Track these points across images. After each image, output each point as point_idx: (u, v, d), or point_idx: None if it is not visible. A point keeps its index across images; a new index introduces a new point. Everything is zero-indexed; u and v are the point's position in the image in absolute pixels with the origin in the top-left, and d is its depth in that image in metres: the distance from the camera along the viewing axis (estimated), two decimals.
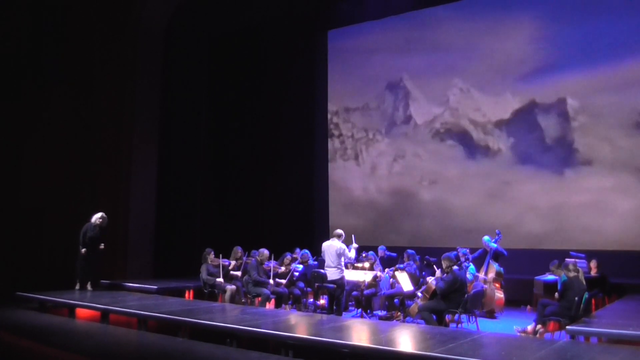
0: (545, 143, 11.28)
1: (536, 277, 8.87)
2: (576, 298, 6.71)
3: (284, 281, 9.36)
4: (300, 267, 9.58)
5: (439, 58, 12.55)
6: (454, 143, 12.37)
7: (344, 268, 8.72)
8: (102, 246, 9.94)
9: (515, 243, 10.49)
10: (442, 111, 12.58)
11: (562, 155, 11.08)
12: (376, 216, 13.27)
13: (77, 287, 9.84)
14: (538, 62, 11.38)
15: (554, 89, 11.19)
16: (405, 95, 13.10)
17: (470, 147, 12.15)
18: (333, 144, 14.05)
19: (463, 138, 12.26)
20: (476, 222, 11.44)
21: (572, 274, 7.02)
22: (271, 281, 9.04)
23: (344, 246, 8.74)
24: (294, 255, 10.02)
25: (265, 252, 9.23)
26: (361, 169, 13.65)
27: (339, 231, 8.86)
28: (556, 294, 7.16)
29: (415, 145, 12.86)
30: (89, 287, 9.86)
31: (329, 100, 14.18)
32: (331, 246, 8.67)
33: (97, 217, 9.97)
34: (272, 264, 9.40)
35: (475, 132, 12.13)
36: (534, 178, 11.29)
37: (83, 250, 9.75)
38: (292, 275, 9.47)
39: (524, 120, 11.55)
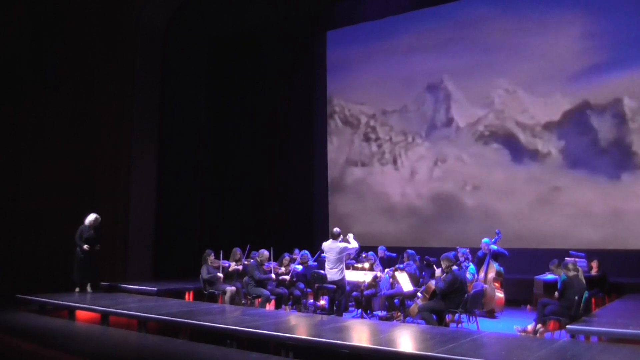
0: (599, 146, 10.71)
1: (536, 277, 8.88)
2: (576, 297, 6.71)
3: (287, 277, 9.37)
4: (300, 267, 9.58)
5: (482, 58, 12.00)
6: (499, 146, 11.81)
7: (344, 268, 8.72)
8: (97, 247, 9.92)
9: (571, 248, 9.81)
10: (486, 113, 12.03)
11: (618, 158, 10.53)
12: (417, 222, 12.67)
13: (77, 289, 9.82)
14: (590, 60, 10.81)
15: (608, 89, 10.60)
16: (446, 97, 12.54)
17: (517, 150, 11.57)
18: (370, 148, 13.48)
19: (509, 141, 11.70)
20: (525, 229, 11.05)
21: (571, 273, 7.02)
22: (273, 276, 9.05)
23: (344, 244, 8.71)
24: (293, 256, 10.01)
25: (265, 252, 9.24)
26: (400, 173, 13.05)
27: (337, 230, 8.83)
28: (556, 293, 7.16)
29: (458, 149, 12.28)
30: (88, 288, 9.86)
31: (365, 104, 13.67)
32: (331, 248, 8.66)
33: (90, 219, 9.95)
34: (272, 264, 9.41)
35: (522, 135, 11.56)
36: (587, 183, 10.71)
37: (85, 246, 9.71)
38: (292, 276, 9.47)
39: (575, 122, 10.98)
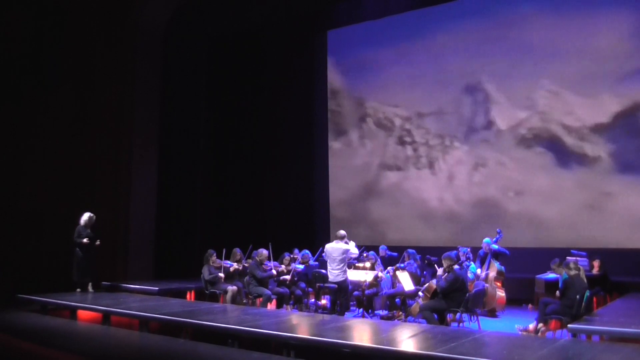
0: None
1: (537, 276, 8.89)
2: (577, 296, 6.71)
3: (288, 277, 9.37)
4: (301, 266, 9.59)
5: (523, 57, 11.47)
6: (543, 150, 11.22)
7: (346, 269, 8.73)
8: (97, 242, 9.90)
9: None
10: (528, 115, 11.44)
11: None
12: (457, 228, 12.13)
13: (78, 290, 9.81)
14: None
15: None
16: (486, 99, 11.96)
17: (563, 154, 11.00)
18: (405, 152, 12.92)
19: (554, 144, 11.09)
20: (574, 236, 10.61)
21: (572, 272, 7.02)
22: (274, 271, 9.06)
23: (347, 246, 8.73)
24: (293, 256, 10.02)
25: (264, 252, 9.24)
26: (437, 178, 12.46)
27: (342, 232, 8.86)
28: (557, 293, 7.16)
29: (499, 153, 11.74)
30: (90, 288, 9.86)
31: (399, 106, 13.17)
32: (335, 249, 8.66)
33: (84, 219, 9.93)
34: (272, 264, 9.42)
35: (568, 138, 10.97)
36: (639, 188, 10.22)
37: (85, 240, 9.70)
38: (293, 275, 9.47)
39: (626, 125, 10.43)
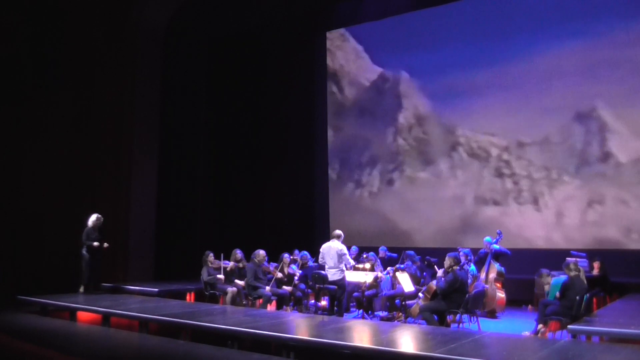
0: None
1: (537, 277, 8.87)
2: (577, 297, 6.72)
3: (289, 288, 9.35)
4: (299, 272, 9.57)
5: None
6: None
7: (344, 269, 8.73)
8: (105, 245, 9.90)
9: None
10: None
11: None
12: None
13: (82, 289, 9.78)
14: None
15: None
16: (601, 128, 10.68)
17: None
18: (504, 185, 11.65)
19: None
20: None
21: (572, 273, 7.03)
22: (268, 288, 9.01)
23: (343, 247, 8.75)
24: (293, 257, 10.01)
25: (261, 252, 9.24)
26: (542, 215, 11.15)
27: (339, 232, 8.87)
28: (557, 294, 7.16)
29: (618, 189, 10.41)
30: (94, 289, 9.84)
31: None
32: (331, 247, 8.69)
33: (92, 220, 9.92)
34: (272, 267, 9.43)
35: None
36: None
37: (95, 243, 9.69)
38: (295, 281, 9.47)
39: None
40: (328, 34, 14.37)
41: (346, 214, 13.56)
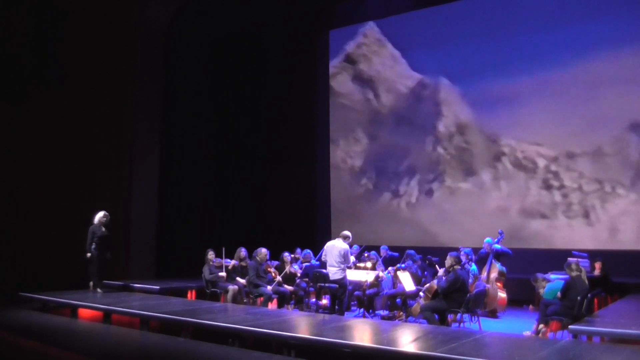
0: None
1: (538, 274, 8.86)
2: (578, 297, 6.71)
3: (291, 288, 9.36)
4: (300, 272, 9.58)
5: None
6: None
7: (345, 268, 8.73)
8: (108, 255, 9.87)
9: None
10: None
11: None
12: None
13: (91, 287, 9.72)
14: None
15: None
16: None
17: None
18: (552, 197, 11.05)
19: None
20: None
21: (574, 274, 7.02)
22: (269, 287, 9.03)
23: (347, 247, 8.74)
24: (294, 255, 10.01)
25: (263, 250, 9.25)
26: (595, 230, 10.57)
27: (347, 233, 8.85)
28: (558, 294, 7.16)
29: None
30: (91, 286, 9.81)
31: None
32: (335, 246, 8.67)
33: (99, 217, 9.88)
34: (273, 269, 9.44)
35: None
36: None
37: (88, 255, 9.60)
38: (299, 283, 9.48)
39: None
40: (364, 39, 13.80)
41: (381, 224, 13.01)
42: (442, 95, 12.59)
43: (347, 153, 13.92)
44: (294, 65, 14.44)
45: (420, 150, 12.80)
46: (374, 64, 13.70)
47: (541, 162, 11.29)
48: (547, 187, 11.19)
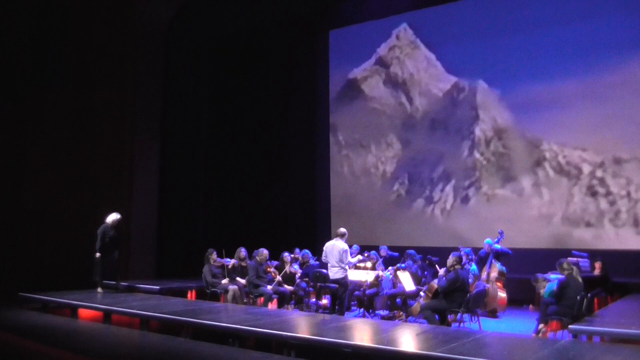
0: None
1: (539, 274, 8.86)
2: (577, 297, 6.72)
3: (291, 288, 9.37)
4: (299, 272, 9.59)
5: None
6: None
7: (347, 267, 8.73)
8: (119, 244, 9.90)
9: None
10: None
11: None
12: None
13: (99, 289, 9.61)
14: None
15: None
16: None
17: None
18: (598, 205, 10.58)
19: None
20: None
21: (567, 272, 7.02)
22: (269, 287, 9.04)
23: (346, 246, 8.75)
24: (294, 255, 10.01)
25: (264, 251, 9.26)
26: None
27: (343, 230, 8.86)
28: (555, 288, 7.14)
29: None
30: (119, 286, 9.83)
31: None
32: (335, 246, 8.69)
33: (113, 218, 9.78)
34: (273, 269, 9.44)
35: None
36: None
37: (98, 255, 9.54)
38: (298, 283, 9.49)
39: None
40: (396, 42, 13.36)
41: (415, 231, 12.54)
42: (479, 98, 12.14)
43: (379, 158, 13.40)
44: (295, 65, 14.42)
45: (455, 156, 12.30)
46: (407, 67, 13.23)
47: (586, 168, 10.80)
48: (593, 193, 10.71)
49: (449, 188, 12.37)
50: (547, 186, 11.19)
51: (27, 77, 13.05)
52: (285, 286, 9.33)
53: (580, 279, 7.09)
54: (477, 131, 12.12)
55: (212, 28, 14.28)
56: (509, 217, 11.37)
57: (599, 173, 10.67)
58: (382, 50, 13.62)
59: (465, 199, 12.10)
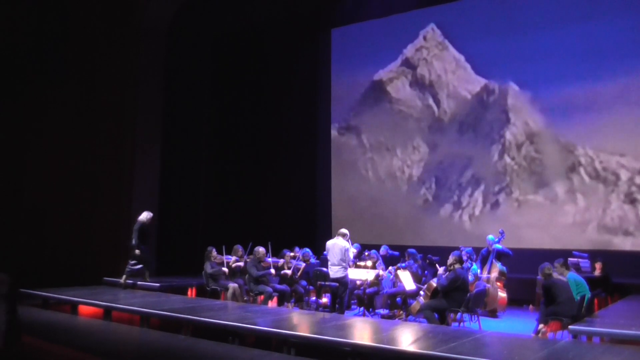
0: None
1: (539, 277, 8.86)
2: (577, 297, 6.73)
3: (289, 272, 9.39)
4: (302, 263, 9.61)
5: None
6: None
7: (347, 266, 8.74)
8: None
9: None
10: None
11: None
12: None
13: (123, 279, 9.84)
14: None
15: None
16: None
17: None
18: (636, 212, 10.24)
19: None
20: None
21: (549, 275, 7.05)
22: (272, 270, 9.10)
23: (348, 245, 8.76)
24: (293, 254, 10.02)
25: (261, 249, 9.28)
26: None
27: (344, 230, 8.87)
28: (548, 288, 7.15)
29: None
30: (147, 277, 9.99)
31: None
32: (335, 245, 8.70)
33: (148, 217, 10.14)
34: (272, 260, 9.46)
35: None
36: None
37: (138, 251, 9.83)
38: (294, 271, 9.49)
39: None
40: (424, 43, 12.99)
41: (442, 237, 12.15)
42: (510, 101, 11.76)
43: (405, 162, 13.03)
44: (296, 63, 14.40)
45: (484, 160, 11.93)
46: (435, 68, 12.87)
47: (624, 174, 10.39)
48: (631, 201, 10.30)
49: (477, 193, 12.02)
50: (582, 192, 10.79)
51: (29, 76, 13.04)
52: (287, 271, 9.40)
53: (564, 279, 7.10)
54: (508, 135, 11.77)
55: (212, 26, 14.26)
56: (541, 224, 11.06)
57: (638, 180, 10.29)
58: (409, 51, 13.23)
59: (495, 205, 11.77)
